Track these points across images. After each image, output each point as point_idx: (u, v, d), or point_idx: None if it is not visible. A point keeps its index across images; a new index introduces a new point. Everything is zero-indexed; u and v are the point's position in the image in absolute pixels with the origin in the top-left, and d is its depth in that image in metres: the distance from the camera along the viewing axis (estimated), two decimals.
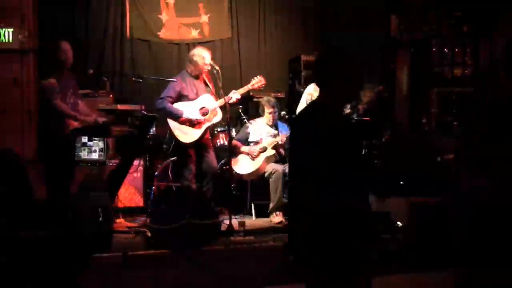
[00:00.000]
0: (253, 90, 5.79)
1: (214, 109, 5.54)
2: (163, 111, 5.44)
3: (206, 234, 4.50)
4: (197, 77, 5.56)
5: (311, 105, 2.70)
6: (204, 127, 5.51)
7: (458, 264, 4.06)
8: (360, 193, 2.42)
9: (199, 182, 5.59)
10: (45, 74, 5.05)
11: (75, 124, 5.10)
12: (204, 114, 5.50)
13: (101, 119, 5.08)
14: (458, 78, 6.70)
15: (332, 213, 2.31)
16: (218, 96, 5.58)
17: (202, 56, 5.48)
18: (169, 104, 5.41)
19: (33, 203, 2.54)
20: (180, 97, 5.49)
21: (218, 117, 5.59)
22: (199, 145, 5.56)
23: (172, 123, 5.47)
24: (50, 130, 4.97)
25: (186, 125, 5.46)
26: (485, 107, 6.45)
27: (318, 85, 2.52)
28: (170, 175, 5.80)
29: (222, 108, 5.52)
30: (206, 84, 5.64)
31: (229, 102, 5.45)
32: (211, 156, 5.61)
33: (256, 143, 5.89)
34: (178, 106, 5.47)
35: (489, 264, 4.02)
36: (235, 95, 5.53)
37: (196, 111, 5.47)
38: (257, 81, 5.67)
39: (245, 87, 5.68)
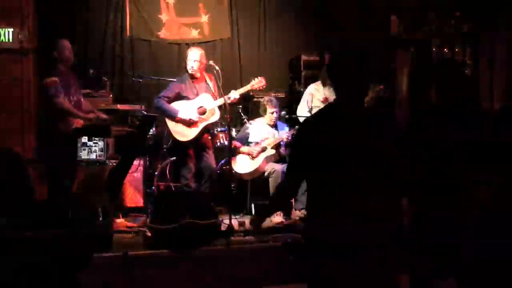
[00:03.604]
0: (252, 90, 5.80)
1: (212, 109, 5.54)
2: (159, 110, 5.48)
3: (206, 234, 4.50)
4: (195, 77, 5.57)
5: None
6: (201, 126, 5.52)
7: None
8: None
9: (197, 181, 5.59)
10: (47, 73, 5.06)
11: (78, 122, 5.11)
12: (201, 113, 5.51)
13: (103, 117, 5.12)
14: None
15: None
16: (218, 96, 5.58)
17: (188, 56, 5.55)
18: (165, 103, 5.45)
19: (33, 203, 2.54)
20: (180, 98, 5.52)
21: (216, 116, 5.60)
22: (198, 144, 5.56)
23: (169, 122, 5.51)
24: (53, 129, 4.97)
25: (182, 124, 5.48)
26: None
27: (347, 87, 2.46)
28: (168, 175, 5.80)
29: (222, 107, 5.52)
30: (207, 84, 5.64)
31: (228, 101, 5.45)
32: (210, 157, 5.62)
33: (257, 143, 5.89)
34: (176, 105, 5.49)
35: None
36: (233, 95, 5.54)
37: (193, 110, 5.48)
38: (257, 82, 5.67)
39: (245, 87, 5.69)
